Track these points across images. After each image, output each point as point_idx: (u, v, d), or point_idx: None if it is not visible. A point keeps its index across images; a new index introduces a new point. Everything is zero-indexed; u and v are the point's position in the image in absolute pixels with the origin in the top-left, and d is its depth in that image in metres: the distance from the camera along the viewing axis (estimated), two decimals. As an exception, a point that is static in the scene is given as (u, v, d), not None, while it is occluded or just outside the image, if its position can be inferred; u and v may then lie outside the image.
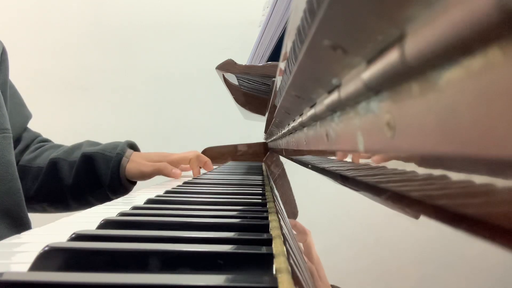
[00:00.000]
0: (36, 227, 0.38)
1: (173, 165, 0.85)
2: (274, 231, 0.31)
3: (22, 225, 0.69)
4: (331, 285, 0.20)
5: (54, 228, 0.37)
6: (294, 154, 0.54)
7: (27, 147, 0.88)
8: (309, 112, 0.28)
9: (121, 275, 0.22)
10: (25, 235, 0.35)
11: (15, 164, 0.69)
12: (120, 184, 0.84)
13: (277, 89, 0.42)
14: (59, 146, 0.90)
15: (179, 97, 1.83)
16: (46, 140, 0.93)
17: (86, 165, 0.83)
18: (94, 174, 0.83)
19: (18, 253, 0.30)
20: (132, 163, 0.83)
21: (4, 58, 0.75)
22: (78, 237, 0.28)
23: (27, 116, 0.88)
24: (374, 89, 0.14)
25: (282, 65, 0.32)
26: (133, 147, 0.90)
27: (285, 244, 0.27)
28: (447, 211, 0.11)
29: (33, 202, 0.85)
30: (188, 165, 0.90)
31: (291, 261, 0.24)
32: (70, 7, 1.84)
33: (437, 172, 0.11)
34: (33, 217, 0.75)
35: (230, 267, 0.24)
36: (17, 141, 0.85)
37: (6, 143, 0.67)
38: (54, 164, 0.83)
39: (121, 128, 1.79)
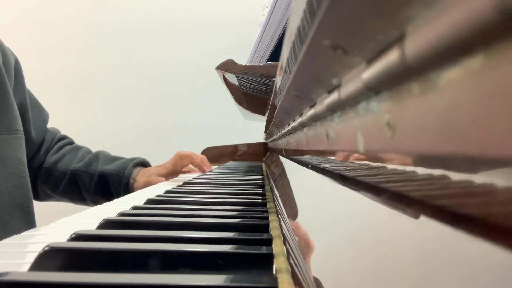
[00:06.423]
0: (38, 227, 0.38)
1: (169, 174, 0.93)
2: (274, 231, 0.31)
3: (31, 221, 0.73)
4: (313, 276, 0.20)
5: (54, 228, 0.37)
6: (294, 154, 0.53)
7: (49, 146, 0.94)
8: (309, 112, 0.28)
9: (121, 275, 0.22)
10: (25, 235, 0.35)
11: (26, 163, 0.73)
12: None
13: (277, 89, 0.42)
14: (78, 149, 0.97)
15: (179, 97, 1.83)
16: (65, 137, 0.99)
17: (101, 183, 0.92)
18: (109, 191, 0.93)
19: (18, 253, 0.30)
20: (136, 183, 0.93)
21: (18, 69, 0.80)
22: (78, 237, 0.28)
23: (45, 119, 0.94)
24: (374, 89, 0.14)
25: (282, 65, 0.32)
26: (142, 163, 0.97)
27: (285, 244, 0.27)
28: (447, 211, 0.11)
29: (59, 196, 0.94)
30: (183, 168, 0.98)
31: (291, 261, 0.24)
32: (70, 8, 1.84)
33: (437, 172, 0.11)
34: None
35: (230, 267, 0.24)
36: (41, 143, 0.91)
37: (17, 143, 0.71)
38: (75, 176, 0.92)
39: (121, 128, 1.79)
